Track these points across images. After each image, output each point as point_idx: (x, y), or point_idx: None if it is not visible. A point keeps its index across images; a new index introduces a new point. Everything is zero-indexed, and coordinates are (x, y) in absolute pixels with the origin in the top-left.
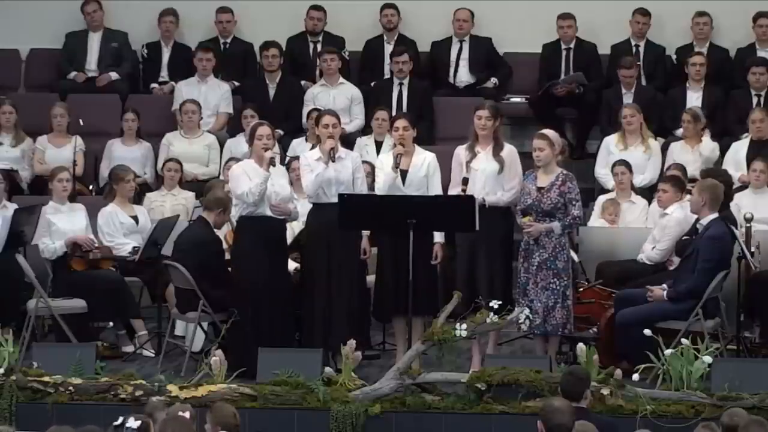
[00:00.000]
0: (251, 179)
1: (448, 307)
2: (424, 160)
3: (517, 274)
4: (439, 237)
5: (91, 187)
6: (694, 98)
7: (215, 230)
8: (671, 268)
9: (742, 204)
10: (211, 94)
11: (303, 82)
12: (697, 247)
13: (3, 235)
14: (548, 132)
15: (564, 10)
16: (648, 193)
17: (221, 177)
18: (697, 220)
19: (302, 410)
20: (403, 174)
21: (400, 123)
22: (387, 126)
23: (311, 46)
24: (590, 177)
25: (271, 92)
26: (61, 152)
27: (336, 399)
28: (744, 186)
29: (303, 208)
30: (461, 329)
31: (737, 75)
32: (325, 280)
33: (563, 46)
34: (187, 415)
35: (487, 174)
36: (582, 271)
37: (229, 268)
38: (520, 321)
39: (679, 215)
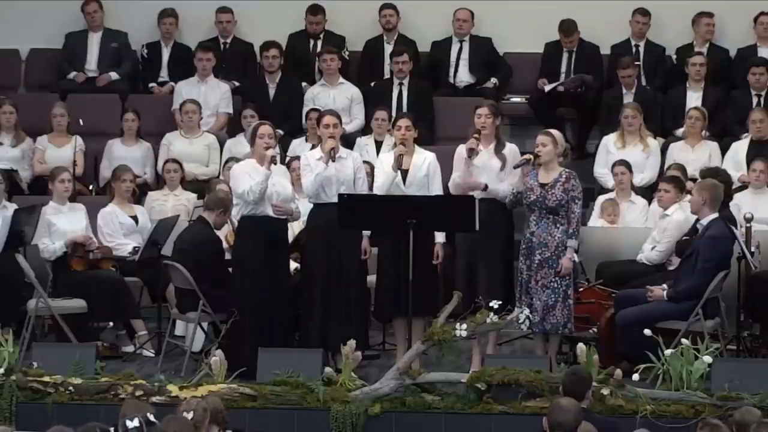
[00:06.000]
0: (252, 178)
1: (448, 307)
2: (424, 160)
3: (519, 272)
4: (440, 237)
5: (91, 187)
6: (694, 98)
7: (215, 230)
8: (671, 268)
9: (742, 204)
10: (211, 94)
11: (303, 84)
12: (697, 247)
13: (3, 235)
14: (553, 130)
15: (564, 10)
16: (647, 192)
17: (221, 177)
18: (697, 220)
19: (302, 410)
20: (404, 174)
21: (403, 122)
22: (387, 126)
23: (311, 43)
24: (590, 177)
25: (271, 92)
26: (61, 152)
27: (336, 399)
28: (744, 186)
29: (303, 207)
30: (461, 329)
31: (737, 75)
32: (325, 280)
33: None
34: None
35: (488, 171)
36: (582, 271)
37: (230, 268)
38: (519, 321)
39: (679, 217)
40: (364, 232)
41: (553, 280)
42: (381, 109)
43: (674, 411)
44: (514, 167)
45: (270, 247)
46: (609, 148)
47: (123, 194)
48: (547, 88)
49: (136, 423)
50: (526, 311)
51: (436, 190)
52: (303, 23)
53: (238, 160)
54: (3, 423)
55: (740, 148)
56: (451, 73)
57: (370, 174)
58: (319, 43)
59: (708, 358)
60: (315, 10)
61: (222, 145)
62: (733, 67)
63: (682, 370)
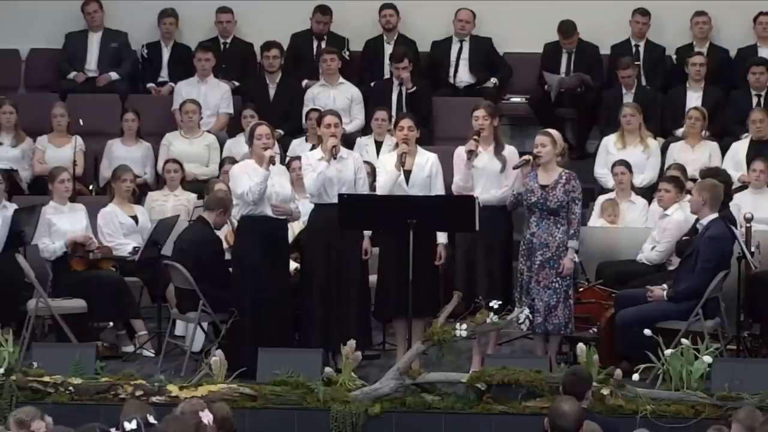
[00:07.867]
0: (251, 179)
1: (448, 307)
2: (427, 160)
3: (519, 273)
4: (442, 237)
5: (91, 187)
6: (694, 98)
7: (215, 230)
8: (671, 268)
9: (742, 204)
10: (211, 94)
11: (305, 82)
12: (697, 247)
13: (3, 235)
14: (551, 130)
15: (564, 10)
16: (648, 192)
17: (220, 177)
18: (697, 220)
19: (302, 410)
20: (407, 174)
21: (405, 122)
22: (387, 126)
23: (316, 43)
24: (590, 177)
25: (271, 92)
26: (61, 152)
27: (336, 399)
28: (744, 186)
29: (304, 207)
30: (461, 329)
31: (737, 75)
32: (326, 281)
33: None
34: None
35: (488, 172)
36: (582, 271)
37: (230, 269)
38: (519, 321)
39: (679, 217)
40: (365, 232)
41: (555, 280)
42: (381, 109)
43: (674, 411)
44: (514, 168)
45: (270, 247)
46: (609, 149)
47: (123, 194)
48: (554, 97)
49: (133, 425)
50: (526, 311)
51: (438, 190)
52: (302, 24)
53: (234, 160)
54: (3, 423)
55: (740, 148)
56: (451, 73)
57: (371, 174)
58: (323, 43)
59: (708, 358)
60: (324, 10)
61: (222, 145)
62: (733, 67)
63: (682, 370)
